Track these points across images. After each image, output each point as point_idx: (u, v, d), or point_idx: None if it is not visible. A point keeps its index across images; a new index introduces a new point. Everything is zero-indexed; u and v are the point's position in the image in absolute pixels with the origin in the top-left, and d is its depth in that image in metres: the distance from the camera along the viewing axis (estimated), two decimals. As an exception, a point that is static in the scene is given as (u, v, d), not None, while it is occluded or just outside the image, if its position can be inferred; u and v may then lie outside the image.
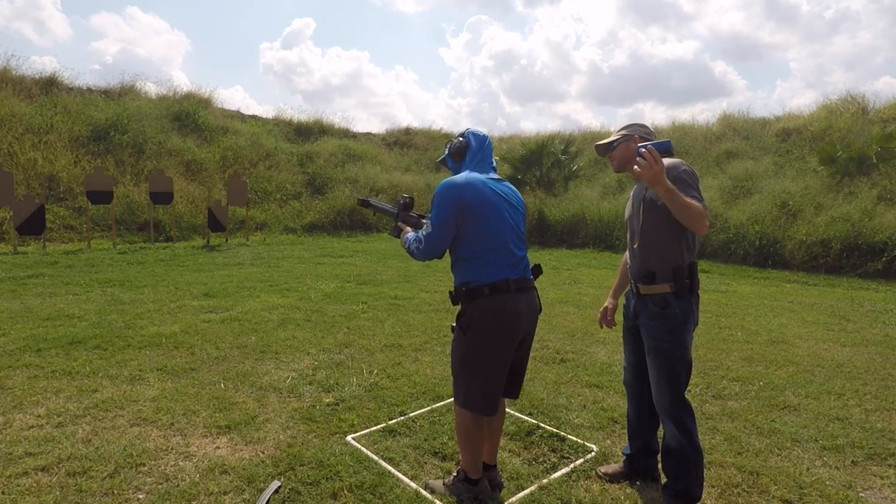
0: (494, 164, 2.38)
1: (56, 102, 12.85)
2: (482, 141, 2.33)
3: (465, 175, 2.21)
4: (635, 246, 2.31)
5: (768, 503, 2.39)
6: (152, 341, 4.35)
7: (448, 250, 2.24)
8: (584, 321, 5.50)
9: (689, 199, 2.00)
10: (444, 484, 2.36)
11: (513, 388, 2.35)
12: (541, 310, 2.33)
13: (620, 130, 2.41)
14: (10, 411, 3.02)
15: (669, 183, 1.97)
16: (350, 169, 15.75)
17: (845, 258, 9.14)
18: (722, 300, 6.85)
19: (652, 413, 2.48)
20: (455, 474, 2.36)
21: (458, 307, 2.24)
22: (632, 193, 2.43)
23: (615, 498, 2.39)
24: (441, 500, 2.28)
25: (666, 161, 2.06)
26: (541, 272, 2.31)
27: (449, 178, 2.22)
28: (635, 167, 1.96)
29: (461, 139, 2.33)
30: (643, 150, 1.93)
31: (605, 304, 2.68)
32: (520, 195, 2.37)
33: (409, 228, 2.45)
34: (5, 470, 2.42)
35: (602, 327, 2.70)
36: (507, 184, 2.34)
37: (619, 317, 2.63)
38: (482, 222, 2.14)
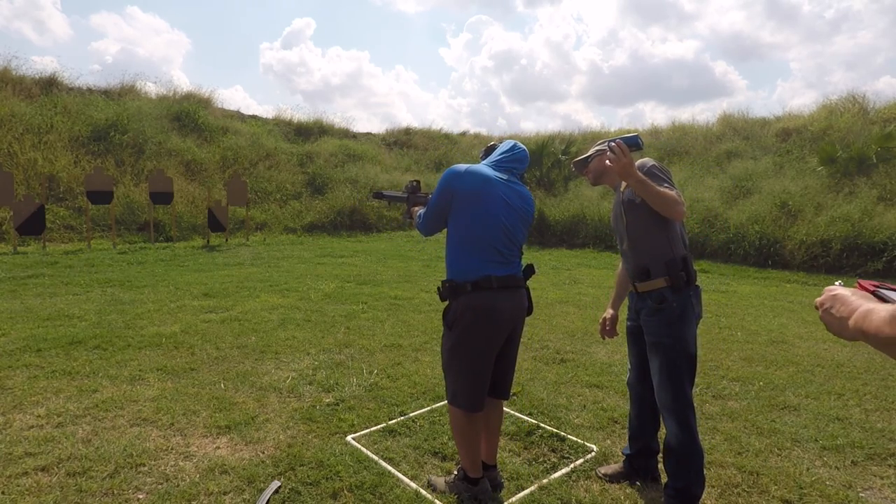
0: (519, 173, 2.38)
1: (56, 102, 12.85)
2: (511, 148, 2.38)
3: (469, 165, 2.26)
4: (625, 247, 2.35)
5: (768, 503, 2.39)
6: (152, 341, 4.35)
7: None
8: (584, 321, 5.49)
9: (661, 188, 2.08)
10: (445, 482, 2.37)
11: (501, 388, 2.36)
12: (531, 310, 2.34)
13: (595, 147, 2.48)
14: (10, 411, 3.02)
15: (640, 174, 2.05)
16: (350, 169, 15.74)
17: (845, 258, 9.13)
18: (722, 300, 6.85)
19: (653, 415, 2.49)
20: (456, 473, 2.37)
21: (446, 304, 2.27)
22: (613, 203, 2.48)
23: (615, 498, 2.39)
24: (441, 500, 2.29)
25: (637, 162, 2.16)
26: (533, 272, 2.32)
27: (454, 165, 2.28)
28: (606, 161, 2.07)
29: (494, 144, 2.45)
30: (612, 144, 2.04)
31: (605, 314, 2.68)
32: (530, 204, 2.32)
33: (418, 208, 2.56)
34: (5, 470, 2.42)
35: (603, 338, 2.69)
36: (520, 189, 2.30)
37: (622, 316, 2.64)
38: (469, 212, 2.17)
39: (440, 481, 2.39)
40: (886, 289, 1.00)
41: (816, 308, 1.05)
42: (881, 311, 0.87)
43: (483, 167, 2.27)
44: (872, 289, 1.02)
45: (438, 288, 2.28)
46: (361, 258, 9.75)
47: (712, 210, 11.05)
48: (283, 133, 17.20)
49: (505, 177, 2.27)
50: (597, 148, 2.45)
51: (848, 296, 0.97)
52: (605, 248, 11.61)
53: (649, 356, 2.30)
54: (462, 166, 2.23)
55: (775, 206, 10.57)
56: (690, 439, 2.22)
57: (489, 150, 2.45)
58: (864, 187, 10.38)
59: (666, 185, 2.13)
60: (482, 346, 2.19)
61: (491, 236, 2.18)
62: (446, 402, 3.25)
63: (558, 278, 8.25)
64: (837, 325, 0.97)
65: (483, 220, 2.17)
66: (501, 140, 2.49)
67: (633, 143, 2.08)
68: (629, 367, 2.57)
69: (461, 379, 2.21)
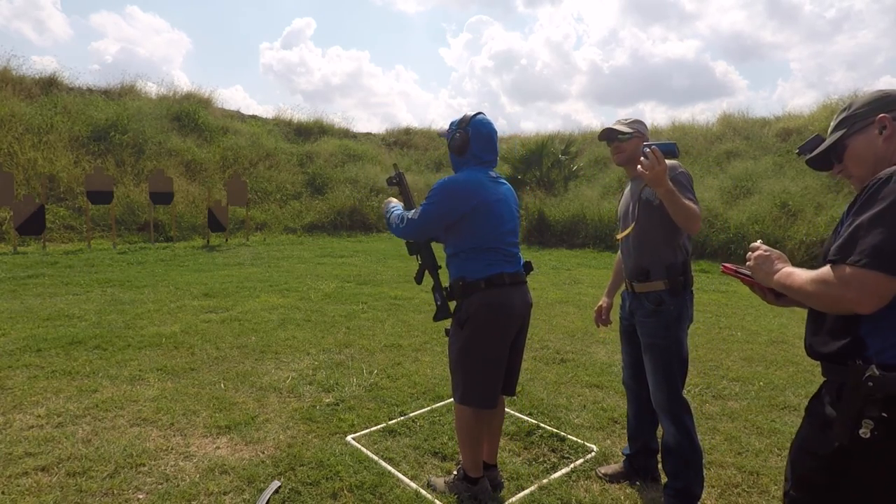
0: (498, 154, 2.33)
1: (56, 102, 12.85)
2: (488, 135, 2.22)
3: (465, 176, 2.20)
4: (629, 243, 2.32)
5: (768, 503, 2.39)
6: (152, 341, 4.35)
7: (443, 246, 2.29)
8: (585, 321, 5.49)
9: (686, 201, 2.05)
10: (445, 482, 2.37)
11: (508, 385, 2.37)
12: (531, 305, 2.35)
13: (630, 123, 2.35)
14: (10, 411, 3.02)
15: (670, 184, 1.99)
16: (350, 169, 15.74)
17: (845, 258, 9.12)
18: (722, 300, 6.85)
19: (651, 413, 2.49)
20: (455, 473, 2.37)
21: (454, 304, 2.27)
22: (626, 191, 2.45)
23: (615, 498, 2.39)
24: (441, 500, 2.29)
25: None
26: (531, 269, 2.33)
27: (450, 178, 2.20)
28: (639, 167, 1.98)
29: (462, 132, 2.21)
30: (647, 150, 1.94)
31: (600, 302, 2.70)
32: (515, 193, 2.38)
33: (395, 200, 2.45)
34: (5, 470, 2.42)
35: (598, 326, 2.71)
36: (504, 182, 2.33)
37: (615, 315, 2.64)
38: (479, 223, 2.17)
39: (440, 481, 2.39)
40: (743, 270, 1.44)
41: (748, 258, 1.39)
42: (802, 273, 1.22)
43: (475, 175, 2.19)
44: (733, 271, 1.47)
45: (446, 287, 2.28)
46: (361, 258, 9.75)
47: (712, 210, 11.04)
48: (283, 133, 17.20)
49: (493, 175, 2.28)
50: (636, 128, 2.32)
51: (774, 258, 1.34)
52: (605, 248, 11.60)
53: (644, 357, 2.31)
54: (460, 179, 2.17)
55: (775, 206, 10.57)
56: (688, 439, 2.22)
57: (462, 147, 2.21)
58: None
59: (689, 195, 2.11)
60: (497, 343, 2.20)
61: (501, 239, 2.20)
62: (447, 401, 3.27)
63: (558, 278, 8.24)
64: (764, 274, 1.34)
65: (490, 225, 2.18)
66: (472, 118, 2.21)
67: (669, 152, 1.97)
68: (623, 366, 2.57)
69: (475, 377, 2.20)
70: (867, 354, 1.15)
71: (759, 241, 1.42)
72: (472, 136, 2.21)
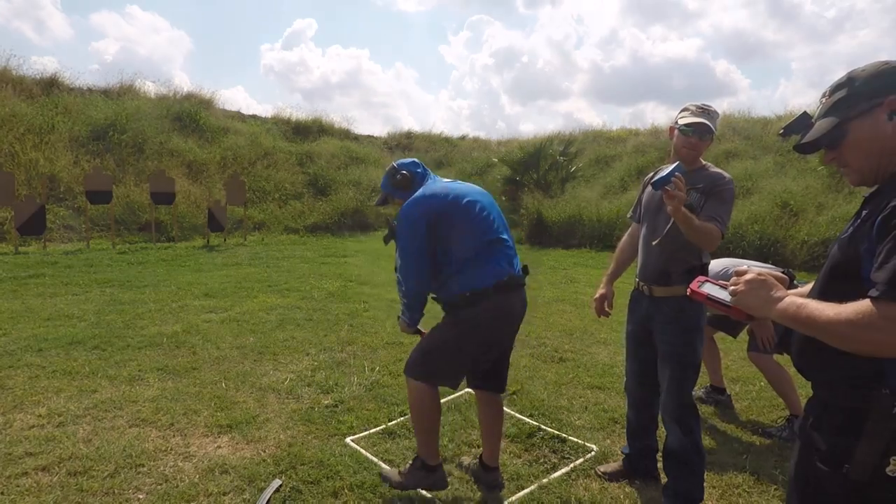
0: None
1: (57, 103, 12.84)
2: (417, 164, 2.43)
3: (422, 189, 2.26)
4: (653, 242, 2.26)
5: (768, 503, 2.39)
6: (152, 341, 4.35)
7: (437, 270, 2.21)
8: (582, 320, 5.49)
9: (701, 223, 2.02)
10: (399, 472, 2.30)
11: (498, 380, 2.37)
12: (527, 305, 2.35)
13: (707, 117, 2.17)
14: (11, 411, 3.03)
15: (685, 209, 1.95)
16: (353, 171, 15.76)
17: (846, 258, 9.11)
18: (722, 300, 6.83)
19: (652, 416, 2.49)
20: (412, 462, 2.28)
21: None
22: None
23: (614, 497, 2.39)
24: (440, 500, 2.28)
25: (713, 169, 2.15)
26: (528, 272, 2.31)
27: (407, 202, 2.22)
28: (665, 200, 1.94)
29: (403, 173, 2.35)
30: (674, 179, 1.87)
31: (602, 291, 2.57)
32: (477, 187, 2.38)
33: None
34: (5, 470, 2.42)
35: (599, 317, 2.59)
36: (461, 182, 2.39)
37: (620, 316, 2.62)
38: (468, 216, 2.15)
39: (393, 472, 2.33)
40: (708, 282, 1.33)
41: (736, 282, 1.19)
42: (825, 308, 1.01)
43: (429, 185, 2.29)
44: (704, 297, 1.29)
45: (453, 302, 2.20)
46: (363, 258, 9.76)
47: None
48: (281, 132, 17.18)
49: (449, 179, 2.37)
50: (708, 124, 2.16)
51: (771, 284, 1.13)
52: (602, 248, 11.59)
53: (660, 363, 2.28)
54: (418, 193, 2.22)
55: (776, 206, 10.56)
56: (693, 444, 2.21)
57: (406, 182, 2.35)
58: (865, 187, 10.36)
59: (722, 212, 2.10)
60: (490, 346, 2.21)
61: (495, 227, 2.20)
62: (447, 400, 3.25)
63: (555, 277, 8.24)
64: (761, 301, 1.13)
65: (482, 214, 2.18)
66: (396, 165, 2.45)
67: (683, 172, 1.94)
68: (627, 371, 2.53)
69: (453, 366, 2.19)
70: (891, 384, 1.02)
71: (745, 266, 1.24)
72: (408, 171, 2.37)
